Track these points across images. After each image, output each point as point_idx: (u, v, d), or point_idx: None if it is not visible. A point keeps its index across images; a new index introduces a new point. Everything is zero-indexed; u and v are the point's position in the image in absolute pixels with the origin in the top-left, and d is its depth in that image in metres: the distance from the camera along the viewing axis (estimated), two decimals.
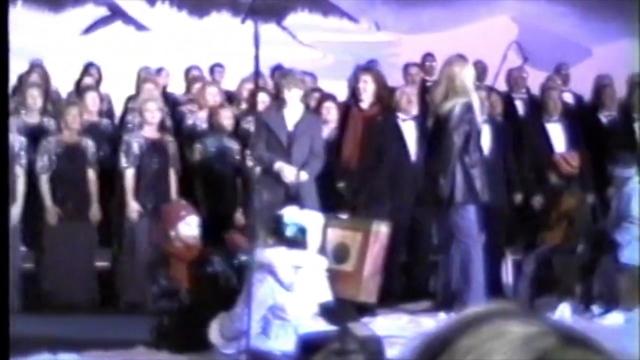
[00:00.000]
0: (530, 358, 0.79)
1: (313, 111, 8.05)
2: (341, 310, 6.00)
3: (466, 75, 6.83)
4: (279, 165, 7.05)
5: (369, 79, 7.36)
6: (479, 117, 6.82)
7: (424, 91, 8.55)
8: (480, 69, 9.63)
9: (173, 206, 6.44)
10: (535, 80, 9.51)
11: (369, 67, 7.80)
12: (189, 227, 6.03)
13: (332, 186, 7.26)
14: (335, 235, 6.59)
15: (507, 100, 9.08)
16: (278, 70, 8.63)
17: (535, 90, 9.30)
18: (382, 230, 6.55)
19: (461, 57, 7.04)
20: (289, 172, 7.08)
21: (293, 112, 7.23)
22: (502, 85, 9.31)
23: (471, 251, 6.75)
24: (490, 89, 8.92)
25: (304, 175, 7.06)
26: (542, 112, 8.59)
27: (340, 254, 6.44)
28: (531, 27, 11.38)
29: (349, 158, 7.20)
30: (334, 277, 6.07)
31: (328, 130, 7.84)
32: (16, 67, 9.68)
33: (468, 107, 6.72)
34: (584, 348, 0.80)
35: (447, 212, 6.69)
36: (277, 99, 7.30)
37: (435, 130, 6.76)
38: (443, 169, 6.61)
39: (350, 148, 7.23)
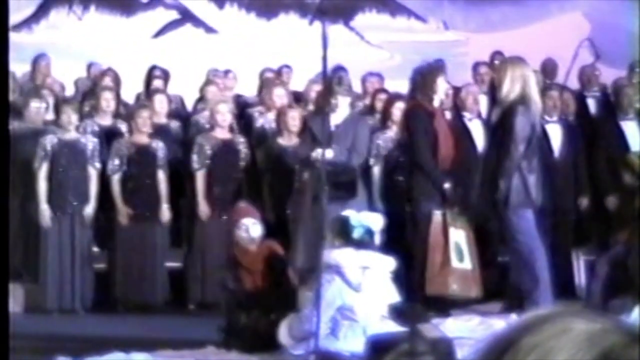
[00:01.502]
0: (595, 355, 0.78)
1: (360, 112, 8.15)
2: (412, 311, 5.98)
3: (528, 78, 6.75)
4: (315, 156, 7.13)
5: (442, 78, 7.31)
6: (538, 121, 6.74)
7: (494, 90, 8.45)
8: (551, 67, 9.49)
9: (233, 212, 6.47)
10: (608, 77, 9.33)
11: (439, 65, 7.74)
12: (244, 231, 6.06)
13: (438, 186, 7.28)
14: (453, 235, 6.76)
15: (580, 99, 8.93)
16: (333, 74, 8.62)
17: (609, 88, 9.12)
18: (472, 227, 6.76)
19: (522, 60, 6.95)
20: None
21: (339, 115, 7.28)
22: (574, 84, 9.16)
23: (534, 252, 6.67)
24: (562, 88, 8.79)
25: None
26: (616, 110, 8.42)
27: (458, 252, 6.65)
28: (603, 23, 11.17)
29: (445, 159, 7.18)
30: (460, 276, 6.25)
31: (393, 130, 7.82)
32: (88, 71, 9.88)
33: (530, 112, 6.64)
34: None
35: (504, 215, 6.63)
36: (328, 97, 7.27)
37: (496, 132, 6.70)
38: (502, 173, 6.56)
39: (445, 149, 7.22)
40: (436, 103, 7.26)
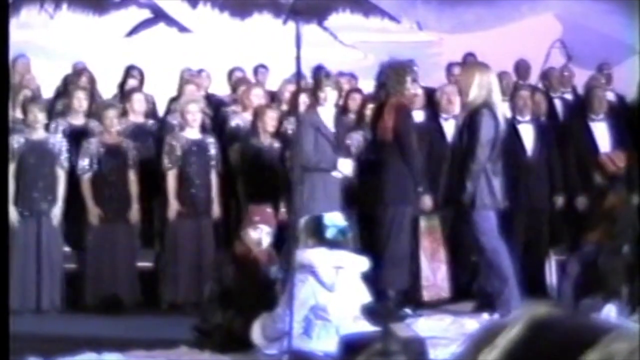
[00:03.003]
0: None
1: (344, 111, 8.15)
2: (384, 311, 5.99)
3: (493, 84, 6.81)
4: (340, 161, 7.16)
5: (410, 78, 7.34)
6: (503, 124, 6.78)
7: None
8: (524, 68, 9.55)
9: (253, 210, 6.45)
10: (579, 79, 9.40)
11: (409, 64, 7.76)
12: (257, 234, 6.07)
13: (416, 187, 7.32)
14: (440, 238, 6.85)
15: (552, 100, 8.99)
16: (318, 71, 8.63)
17: (580, 89, 9.20)
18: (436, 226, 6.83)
19: (487, 66, 7.02)
20: (346, 167, 7.19)
21: (329, 113, 7.28)
22: (545, 85, 9.22)
23: (498, 253, 6.72)
24: (534, 88, 8.84)
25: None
26: (587, 111, 8.49)
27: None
28: (575, 25, 11.26)
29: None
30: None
31: (366, 130, 7.84)
32: (60, 70, 9.82)
33: (494, 116, 6.70)
34: None
35: (469, 216, 6.68)
36: (316, 99, 7.30)
37: (461, 135, 6.74)
38: (468, 175, 6.60)
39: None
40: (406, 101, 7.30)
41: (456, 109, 7.85)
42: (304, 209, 6.15)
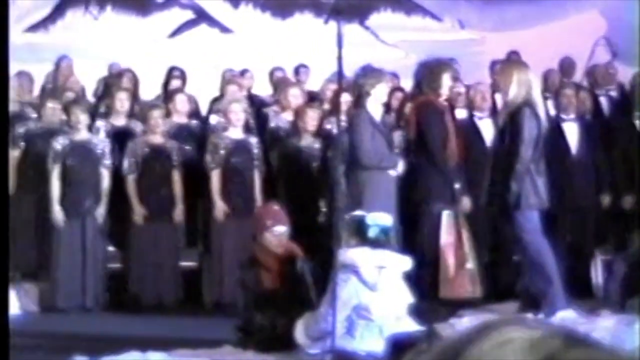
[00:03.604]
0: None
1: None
2: (430, 310, 5.96)
3: (532, 82, 6.75)
4: (394, 159, 7.11)
5: (449, 76, 7.27)
6: (545, 123, 6.72)
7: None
8: (569, 66, 9.45)
9: (263, 212, 6.45)
10: (624, 76, 9.28)
11: (449, 63, 7.72)
12: (275, 236, 6.05)
13: (450, 186, 7.26)
14: (463, 235, 6.79)
15: (596, 97, 8.88)
16: (364, 69, 8.58)
17: (626, 86, 9.07)
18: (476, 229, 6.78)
19: (526, 64, 6.95)
20: (400, 164, 7.15)
21: (377, 110, 7.21)
22: (591, 82, 9.12)
23: (542, 253, 6.65)
24: (578, 86, 8.75)
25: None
26: (632, 109, 8.38)
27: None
28: (620, 21, 11.12)
29: (453, 157, 7.16)
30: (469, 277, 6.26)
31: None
32: (104, 71, 9.92)
33: (536, 115, 6.64)
34: (588, 347, 0.82)
35: (513, 216, 6.62)
36: (366, 97, 7.19)
37: (504, 135, 6.68)
38: (513, 175, 6.55)
39: (452, 147, 7.19)
40: (443, 100, 7.23)
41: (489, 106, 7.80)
42: (360, 208, 6.13)
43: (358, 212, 5.92)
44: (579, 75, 9.15)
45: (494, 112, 8.07)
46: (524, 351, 0.81)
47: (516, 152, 6.53)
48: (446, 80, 7.17)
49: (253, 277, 5.97)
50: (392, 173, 7.06)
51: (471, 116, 8.08)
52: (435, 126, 7.11)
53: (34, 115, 8.42)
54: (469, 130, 7.87)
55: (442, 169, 7.05)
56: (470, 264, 6.90)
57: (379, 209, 6.05)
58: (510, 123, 6.61)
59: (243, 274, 6.10)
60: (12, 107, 8.50)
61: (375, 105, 7.14)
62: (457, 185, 7.12)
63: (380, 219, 5.78)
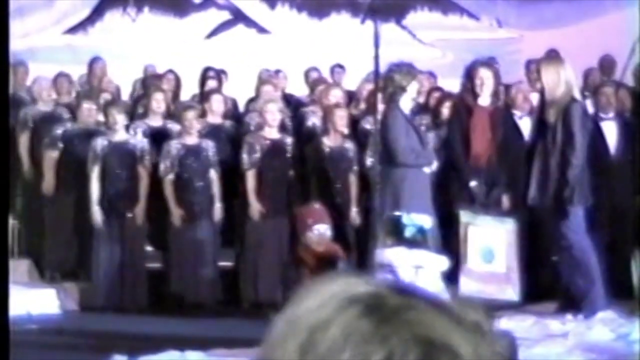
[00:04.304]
0: (359, 306, 0.81)
1: (413, 110, 8.08)
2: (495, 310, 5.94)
3: (573, 79, 6.73)
4: (429, 156, 7.05)
5: (490, 75, 7.23)
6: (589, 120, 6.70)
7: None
8: (609, 64, 9.35)
9: (304, 211, 6.46)
10: None
11: (489, 62, 7.68)
12: (316, 235, 6.06)
13: (464, 184, 7.18)
14: (478, 235, 6.64)
15: (637, 96, 8.78)
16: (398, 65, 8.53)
17: None
18: (516, 228, 6.64)
19: (562, 60, 6.90)
20: (434, 164, 7.10)
21: (407, 107, 7.16)
22: (630, 80, 9.02)
23: (586, 251, 6.59)
24: (618, 84, 8.65)
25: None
26: None
27: (488, 254, 6.55)
28: None
29: (479, 156, 7.11)
30: (484, 277, 6.11)
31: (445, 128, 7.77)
32: (141, 72, 9.99)
33: (585, 111, 6.63)
34: (410, 296, 0.82)
35: (565, 212, 6.56)
36: (400, 94, 7.14)
37: (555, 132, 6.63)
38: (570, 170, 6.51)
39: (479, 145, 7.13)
40: (482, 99, 7.18)
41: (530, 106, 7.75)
42: (396, 207, 6.11)
43: (396, 213, 5.90)
44: (618, 74, 9.04)
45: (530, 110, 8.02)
46: (343, 304, 0.82)
47: (572, 147, 6.51)
48: (483, 78, 7.13)
49: (295, 275, 5.98)
50: (427, 171, 7.01)
51: (511, 115, 8.03)
52: (457, 126, 7.10)
53: (68, 116, 8.49)
54: (505, 129, 7.81)
55: (459, 168, 7.03)
56: (481, 265, 6.75)
57: (415, 208, 6.02)
58: (563, 119, 6.57)
59: (285, 272, 6.11)
60: (46, 107, 8.60)
61: (408, 102, 7.10)
62: (473, 184, 7.03)
63: (418, 219, 5.76)
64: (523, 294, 6.76)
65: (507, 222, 6.86)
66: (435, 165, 7.11)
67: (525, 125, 7.85)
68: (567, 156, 6.55)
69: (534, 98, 8.01)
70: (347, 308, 0.81)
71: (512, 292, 6.68)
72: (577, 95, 6.78)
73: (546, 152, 6.69)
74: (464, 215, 6.65)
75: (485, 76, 7.13)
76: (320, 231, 6.06)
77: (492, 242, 6.75)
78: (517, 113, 8.03)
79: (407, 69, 6.96)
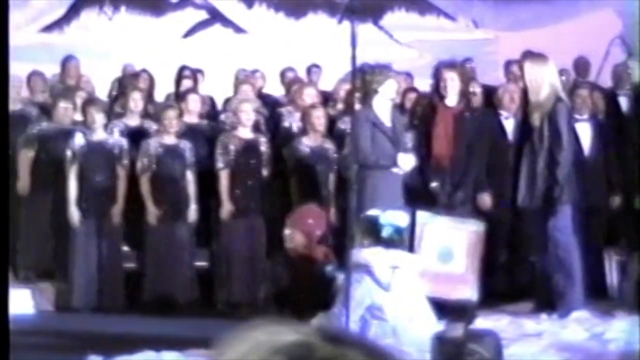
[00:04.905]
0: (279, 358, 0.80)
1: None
2: (463, 309, 5.96)
3: (557, 78, 6.78)
4: (400, 156, 7.00)
5: (454, 76, 7.21)
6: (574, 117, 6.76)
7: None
8: (583, 65, 9.41)
9: (305, 211, 6.44)
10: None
11: (454, 63, 7.68)
12: (310, 236, 6.06)
13: (425, 185, 7.18)
14: (437, 235, 6.61)
15: (611, 97, 8.85)
16: (371, 66, 8.55)
17: None
18: (481, 229, 6.60)
19: (547, 59, 6.93)
20: (407, 162, 7.03)
21: (384, 108, 7.15)
22: (606, 82, 9.09)
23: (571, 252, 6.63)
24: (593, 86, 8.72)
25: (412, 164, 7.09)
26: None
27: (445, 254, 6.52)
28: (635, 21, 11.07)
29: (441, 156, 7.11)
30: (440, 278, 6.10)
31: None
32: (119, 71, 9.95)
33: (567, 108, 6.66)
34: (340, 345, 0.81)
35: (547, 212, 6.60)
36: (373, 95, 7.14)
37: (541, 131, 6.66)
38: (559, 169, 6.55)
39: (442, 146, 7.13)
40: (448, 99, 7.17)
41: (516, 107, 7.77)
42: (365, 208, 6.11)
43: (372, 212, 5.91)
44: (593, 75, 9.12)
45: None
46: (267, 355, 0.81)
47: (560, 146, 6.55)
48: (451, 78, 7.12)
49: (281, 272, 5.99)
50: (397, 171, 7.00)
51: (497, 116, 8.05)
52: (421, 125, 7.12)
53: (43, 115, 8.44)
54: (494, 130, 7.81)
55: (422, 169, 7.05)
56: (438, 265, 6.68)
57: (385, 209, 6.01)
58: (550, 119, 6.61)
59: (275, 270, 6.11)
60: (23, 107, 8.55)
61: (383, 103, 7.09)
62: (433, 185, 7.02)
63: (394, 219, 5.77)
64: (483, 294, 6.72)
65: (470, 222, 6.81)
66: (410, 164, 7.09)
67: (510, 127, 7.88)
68: (555, 156, 6.59)
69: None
70: (270, 359, 0.80)
71: (469, 292, 6.62)
72: (562, 95, 6.82)
73: (533, 152, 6.71)
74: (421, 216, 6.62)
75: (449, 77, 7.13)
76: (316, 233, 6.09)
77: (451, 242, 6.69)
78: (503, 113, 8.05)
79: (380, 70, 6.94)
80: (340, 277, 5.82)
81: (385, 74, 7.03)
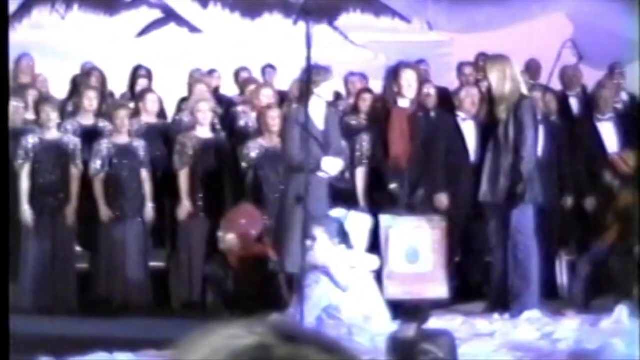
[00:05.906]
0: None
1: (344, 112, 8.07)
2: (417, 310, 6.00)
3: (519, 76, 6.84)
4: (325, 160, 6.84)
5: (412, 77, 7.24)
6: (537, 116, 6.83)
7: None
8: (535, 68, 9.53)
9: (238, 212, 6.43)
10: (590, 79, 9.38)
11: (414, 65, 7.72)
12: (245, 236, 6.04)
13: (384, 187, 7.20)
14: (402, 237, 6.65)
15: (562, 100, 8.97)
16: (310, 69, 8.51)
17: (591, 89, 9.17)
18: (444, 225, 6.69)
19: (507, 57, 7.00)
20: (332, 166, 6.88)
21: (319, 110, 7.11)
22: (556, 85, 9.21)
23: (530, 253, 6.70)
24: (545, 88, 8.82)
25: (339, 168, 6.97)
26: (595, 111, 8.47)
27: (412, 255, 6.57)
28: (586, 24, 11.23)
29: (398, 158, 7.14)
30: (410, 278, 6.14)
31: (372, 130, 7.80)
32: (72, 70, 9.85)
33: (532, 104, 6.75)
34: (298, 344, 0.81)
35: (509, 210, 6.66)
36: (307, 96, 7.09)
37: (506, 129, 6.71)
38: (523, 167, 6.61)
39: (398, 148, 7.15)
40: (403, 100, 7.20)
41: (475, 109, 7.83)
42: (292, 211, 6.07)
43: (333, 214, 5.92)
44: (544, 77, 9.23)
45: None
46: (219, 354, 0.81)
47: (524, 143, 6.60)
48: (406, 80, 7.14)
49: (221, 276, 5.97)
50: (322, 175, 6.78)
51: (454, 117, 8.10)
52: (375, 127, 7.15)
53: None
54: (451, 131, 7.86)
55: (381, 171, 7.08)
56: (405, 266, 6.73)
57: (314, 212, 5.96)
58: (514, 116, 6.66)
59: (210, 272, 6.09)
60: None
61: (319, 104, 7.02)
62: (393, 186, 7.03)
63: (352, 220, 5.79)
64: (453, 290, 6.83)
65: (433, 220, 6.90)
66: (336, 168, 6.92)
67: (469, 128, 7.93)
68: (519, 152, 6.65)
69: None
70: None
71: (440, 290, 6.73)
72: (525, 91, 6.89)
73: (497, 148, 6.76)
74: (384, 220, 6.64)
75: (410, 78, 7.17)
76: (251, 233, 6.07)
77: (416, 242, 6.75)
78: (461, 115, 8.10)
79: (317, 72, 6.87)
80: (286, 272, 5.82)
81: (324, 75, 6.95)
